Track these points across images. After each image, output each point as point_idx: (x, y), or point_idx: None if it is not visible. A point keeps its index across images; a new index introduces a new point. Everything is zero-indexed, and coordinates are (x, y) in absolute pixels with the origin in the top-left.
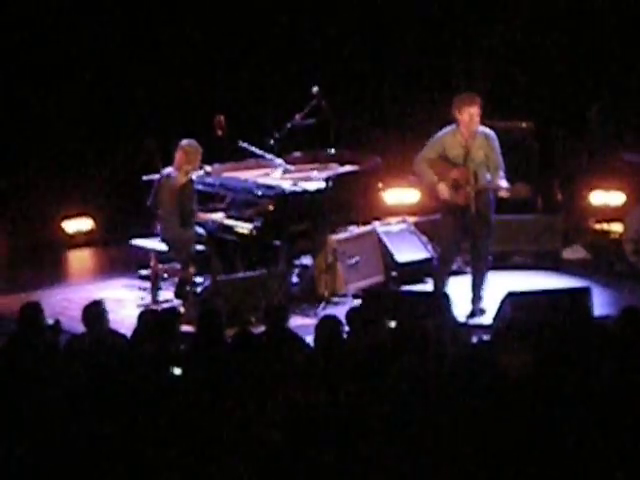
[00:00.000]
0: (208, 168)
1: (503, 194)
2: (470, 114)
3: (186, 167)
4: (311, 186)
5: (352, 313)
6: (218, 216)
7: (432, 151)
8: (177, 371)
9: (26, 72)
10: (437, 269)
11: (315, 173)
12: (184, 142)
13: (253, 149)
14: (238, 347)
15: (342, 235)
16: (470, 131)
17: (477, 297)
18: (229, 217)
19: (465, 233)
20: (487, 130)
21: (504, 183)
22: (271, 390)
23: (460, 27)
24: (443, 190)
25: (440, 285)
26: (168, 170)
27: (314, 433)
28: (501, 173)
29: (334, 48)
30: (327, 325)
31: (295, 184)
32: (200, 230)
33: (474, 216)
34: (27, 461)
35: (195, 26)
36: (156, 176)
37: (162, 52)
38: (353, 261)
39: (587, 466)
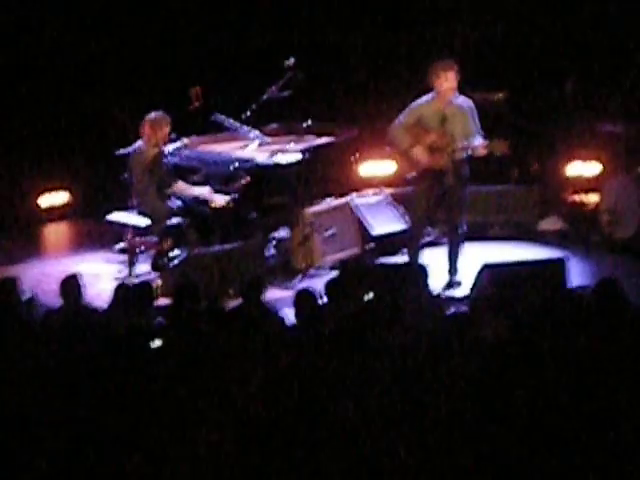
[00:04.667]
0: (185, 140)
1: (481, 151)
2: (447, 79)
3: (154, 140)
4: (287, 158)
5: (330, 285)
6: (203, 190)
7: (409, 117)
8: (156, 343)
9: None
10: (410, 239)
11: (291, 145)
12: (150, 115)
13: (229, 121)
14: (214, 319)
15: (318, 207)
16: (447, 97)
17: (453, 269)
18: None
19: (439, 203)
20: (465, 98)
21: (480, 141)
22: (249, 362)
23: None
24: (419, 153)
25: (414, 256)
26: (138, 144)
27: (293, 404)
28: (478, 136)
29: (308, 18)
30: (305, 297)
31: (271, 156)
32: (176, 202)
33: (450, 185)
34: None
35: None
36: (129, 150)
37: (136, 23)
38: (329, 233)
39: (563, 435)
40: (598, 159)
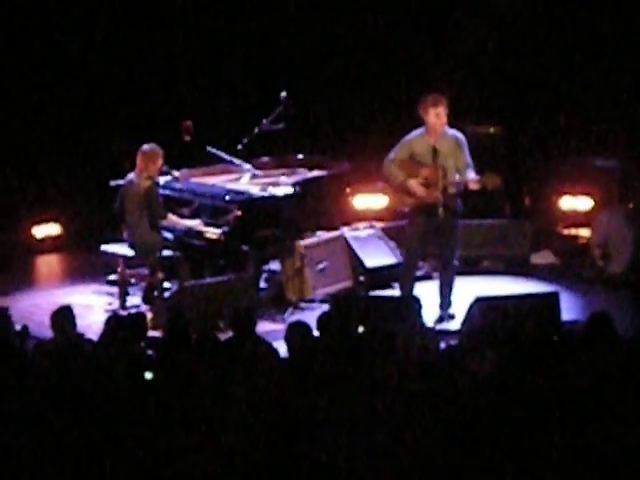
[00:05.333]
0: (176, 173)
1: (472, 186)
2: (436, 114)
3: (147, 172)
4: (279, 191)
5: (323, 318)
6: (194, 223)
7: (401, 153)
8: (148, 375)
9: None
10: (403, 273)
11: (283, 178)
12: (143, 147)
13: (221, 154)
14: (206, 352)
15: (310, 240)
16: (437, 132)
17: (445, 302)
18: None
19: (432, 237)
20: (456, 132)
21: (472, 175)
22: (240, 395)
23: (429, 32)
24: (414, 186)
25: (406, 289)
26: (131, 176)
27: (284, 436)
28: (470, 171)
29: (303, 52)
30: (298, 331)
31: (263, 189)
32: (168, 235)
33: (443, 219)
34: None
35: (163, 31)
36: (122, 182)
37: (129, 57)
38: (321, 266)
39: (554, 468)
40: (590, 194)
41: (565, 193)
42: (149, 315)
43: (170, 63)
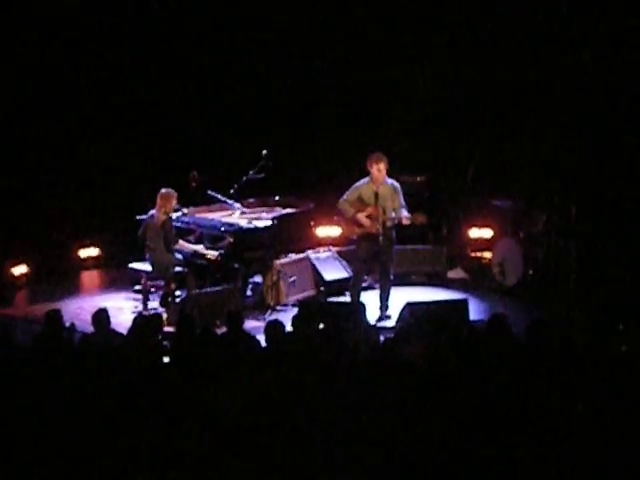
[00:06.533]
0: (185, 210)
1: (405, 222)
2: (378, 168)
3: (164, 209)
4: (261, 224)
5: (294, 319)
6: (199, 247)
7: (352, 195)
8: (165, 359)
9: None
10: (352, 284)
11: (264, 214)
12: (162, 190)
13: (218, 196)
14: (207, 343)
15: (284, 260)
16: (379, 181)
17: (384, 306)
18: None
19: (374, 257)
20: (393, 181)
21: (405, 213)
22: (233, 374)
23: (375, 102)
24: (362, 219)
25: (355, 296)
26: (152, 212)
27: (264, 409)
28: (403, 210)
29: (279, 116)
30: (275, 327)
31: (249, 222)
32: (179, 256)
33: (382, 245)
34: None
35: (171, 93)
36: (145, 216)
37: (157, 123)
38: (292, 279)
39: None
40: (491, 226)
41: (473, 225)
42: (165, 315)
43: (181, 129)
